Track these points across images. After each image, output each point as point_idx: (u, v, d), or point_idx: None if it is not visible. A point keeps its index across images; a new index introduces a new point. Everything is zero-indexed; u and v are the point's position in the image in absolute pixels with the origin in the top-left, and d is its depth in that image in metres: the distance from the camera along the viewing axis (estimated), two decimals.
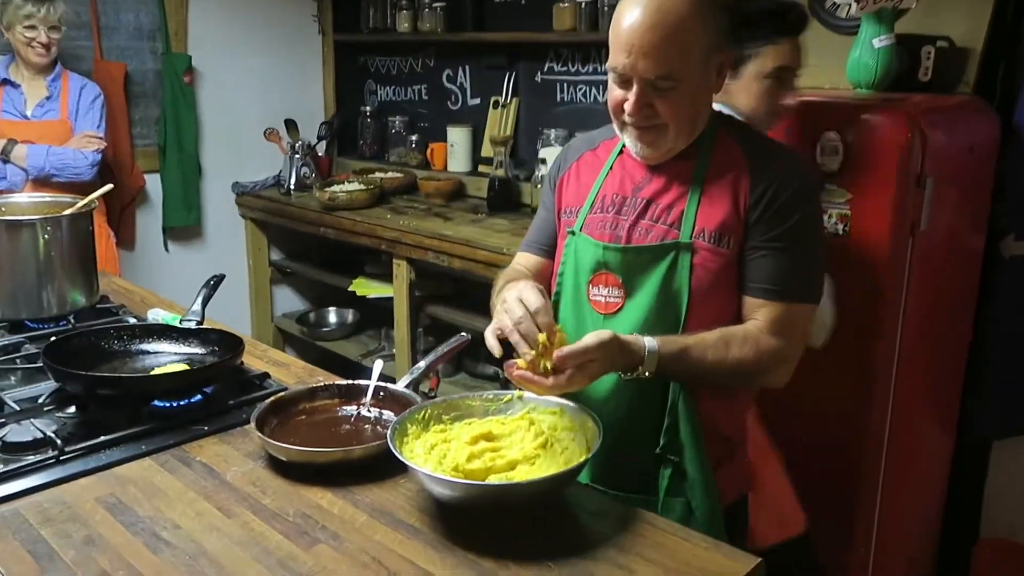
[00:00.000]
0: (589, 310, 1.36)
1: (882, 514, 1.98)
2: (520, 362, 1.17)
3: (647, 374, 1.21)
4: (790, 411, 1.87)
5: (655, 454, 1.30)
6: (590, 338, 1.16)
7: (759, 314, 1.28)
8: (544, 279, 1.48)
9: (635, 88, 1.23)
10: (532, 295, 1.20)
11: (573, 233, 1.38)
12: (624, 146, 1.36)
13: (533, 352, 1.16)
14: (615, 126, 1.32)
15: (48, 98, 2.88)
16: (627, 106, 1.25)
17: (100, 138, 2.88)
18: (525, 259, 1.52)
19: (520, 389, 1.25)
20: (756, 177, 1.27)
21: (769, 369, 1.28)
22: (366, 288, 3.39)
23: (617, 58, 1.23)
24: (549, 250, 1.48)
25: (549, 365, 1.15)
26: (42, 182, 2.78)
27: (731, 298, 1.30)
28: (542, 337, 1.16)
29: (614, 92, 1.27)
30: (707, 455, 1.30)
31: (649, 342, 1.21)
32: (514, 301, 1.20)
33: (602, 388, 1.32)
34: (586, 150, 1.45)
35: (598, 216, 1.36)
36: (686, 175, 1.30)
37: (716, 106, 1.38)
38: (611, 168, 1.39)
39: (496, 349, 1.21)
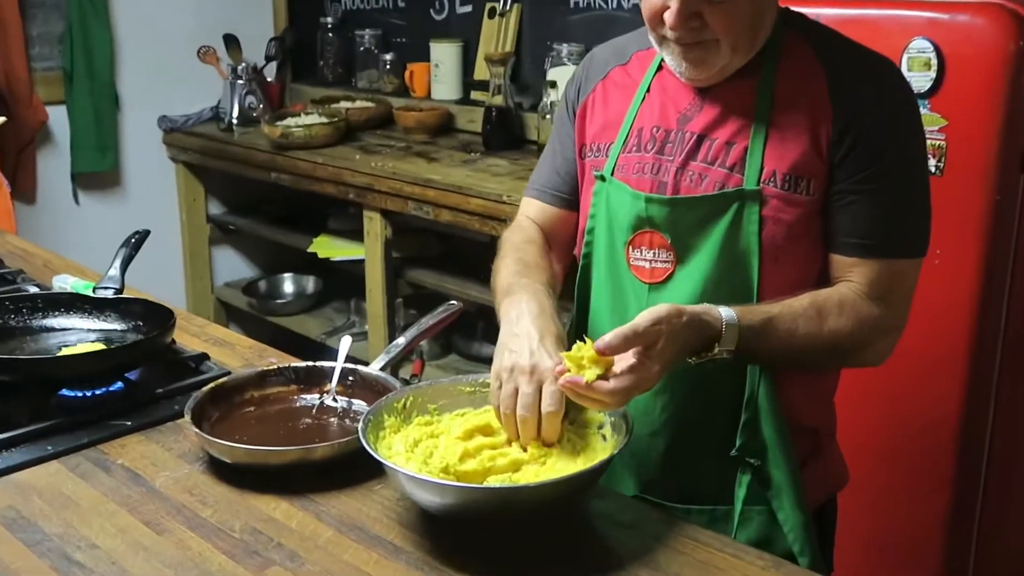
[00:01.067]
0: (630, 279, 1.34)
1: (983, 522, 1.99)
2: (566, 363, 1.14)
3: (725, 354, 1.19)
4: (868, 399, 1.87)
5: (730, 457, 1.30)
6: (642, 315, 1.12)
7: (854, 275, 1.27)
8: (561, 238, 1.46)
9: None
10: (545, 356, 1.17)
11: (603, 178, 1.37)
12: (663, 61, 1.33)
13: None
14: (652, 39, 1.30)
15: None
16: (667, 17, 1.21)
17: None
18: (535, 210, 1.50)
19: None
20: (840, 98, 1.24)
21: (869, 343, 1.28)
22: (330, 249, 3.38)
23: None
24: (566, 198, 1.46)
25: (600, 369, 1.11)
26: None
27: (813, 257, 1.29)
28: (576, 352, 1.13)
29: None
30: (795, 456, 1.30)
31: (726, 312, 1.19)
32: (524, 378, 1.17)
33: None
34: (614, 65, 1.42)
35: (634, 156, 1.34)
36: (747, 100, 1.28)
37: None
38: (648, 91, 1.36)
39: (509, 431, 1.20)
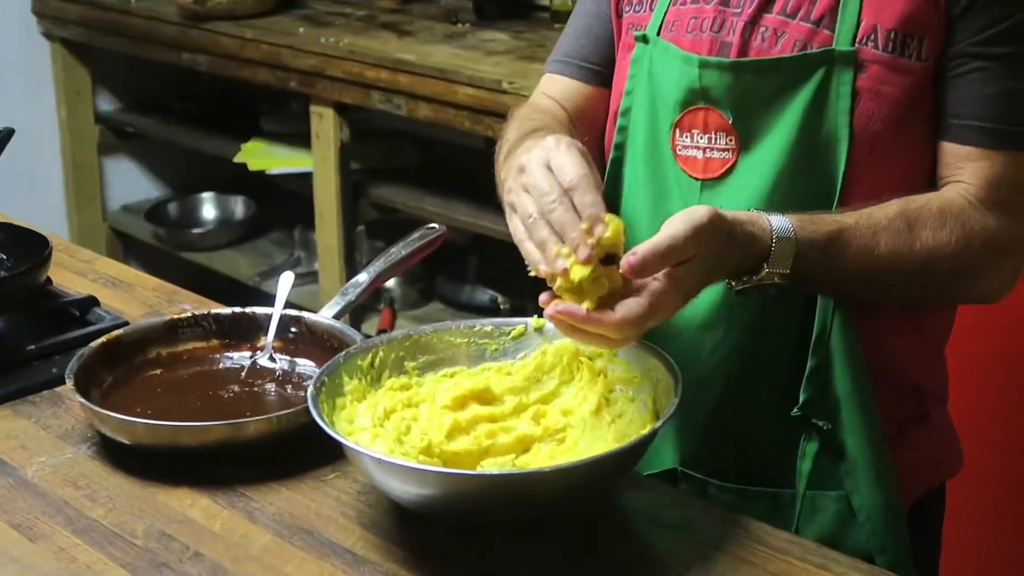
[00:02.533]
0: (677, 174, 1.36)
1: None
2: (561, 284, 1.12)
3: (776, 278, 1.20)
4: (978, 360, 1.86)
5: (790, 417, 1.31)
6: (678, 222, 1.12)
7: (967, 172, 1.27)
8: (591, 121, 1.47)
9: None
10: (568, 157, 1.16)
11: (645, 39, 1.38)
12: None
13: (569, 262, 1.12)
14: None
15: None
16: None
17: None
18: (557, 86, 1.51)
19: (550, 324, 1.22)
20: None
21: (983, 267, 1.29)
22: (265, 159, 3.39)
23: None
24: (599, 71, 1.49)
25: (600, 288, 1.10)
26: None
27: (923, 145, 1.30)
28: (585, 230, 1.12)
29: None
30: (879, 419, 1.30)
31: (778, 222, 1.20)
32: (538, 168, 1.17)
33: (699, 307, 1.30)
34: None
35: (689, 8, 1.36)
36: None
37: None
38: None
39: (535, 256, 1.15)
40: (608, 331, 1.10)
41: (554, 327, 1.15)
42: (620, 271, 1.10)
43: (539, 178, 1.15)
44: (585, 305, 1.10)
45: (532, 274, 1.15)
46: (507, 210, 1.21)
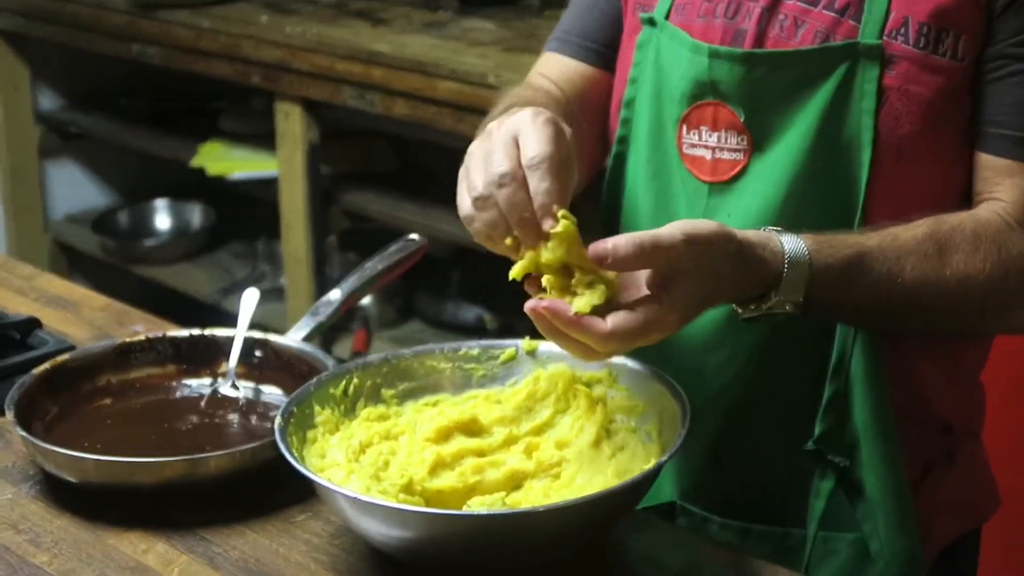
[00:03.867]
0: (682, 176, 1.36)
1: None
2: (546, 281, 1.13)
3: (787, 307, 1.19)
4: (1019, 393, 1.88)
5: (803, 451, 1.31)
6: (674, 225, 1.12)
7: (1007, 188, 1.27)
8: (593, 107, 1.48)
9: None
10: (537, 132, 1.14)
11: (652, 22, 1.39)
12: None
13: (523, 250, 1.13)
14: None
15: None
16: None
17: None
18: (556, 66, 1.52)
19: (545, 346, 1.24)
20: None
21: (1020, 298, 1.28)
22: (225, 162, 3.40)
23: None
24: (603, 52, 1.50)
25: (596, 300, 1.11)
26: None
27: (956, 156, 1.30)
28: (556, 227, 1.12)
29: None
30: (904, 455, 1.30)
31: (791, 244, 1.18)
32: (502, 137, 1.16)
33: (702, 327, 1.32)
34: None
35: None
36: None
37: None
38: None
39: (481, 233, 1.15)
40: (593, 341, 1.09)
41: (539, 329, 1.11)
42: (588, 255, 1.09)
43: (499, 148, 1.14)
44: (576, 307, 1.09)
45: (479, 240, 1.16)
46: (460, 176, 1.19)
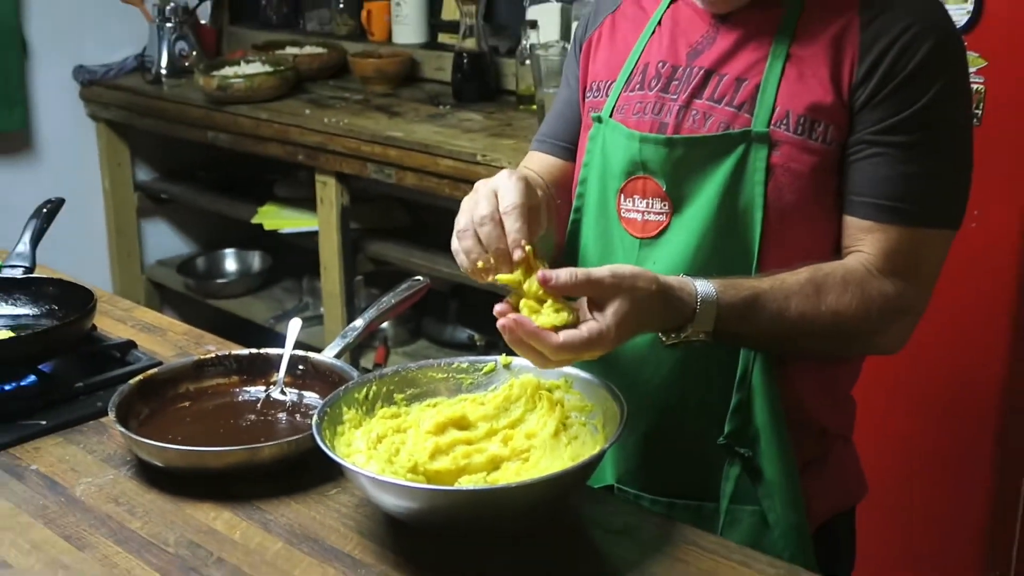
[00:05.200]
0: (620, 232, 1.35)
1: None
2: (512, 296, 1.14)
3: (700, 336, 1.19)
4: (884, 389, 1.87)
5: (717, 445, 1.30)
6: (613, 266, 1.13)
7: (866, 243, 1.25)
8: (565, 189, 1.47)
9: None
10: (510, 187, 1.17)
11: (600, 120, 1.38)
12: None
13: (512, 278, 1.14)
14: None
15: None
16: None
17: None
18: (537, 160, 1.51)
19: (518, 361, 1.24)
20: (871, 31, 1.23)
21: (880, 327, 1.26)
22: (277, 220, 3.37)
23: None
24: (570, 148, 1.49)
25: (556, 320, 1.11)
26: None
27: (826, 218, 1.28)
28: (519, 255, 1.13)
29: None
30: (792, 449, 1.30)
31: (703, 287, 1.18)
32: (483, 190, 1.19)
33: (634, 349, 1.31)
34: None
35: (636, 95, 1.35)
36: (767, 30, 1.28)
37: None
38: (659, 23, 1.37)
39: (463, 263, 1.19)
40: (547, 350, 1.10)
41: (505, 338, 1.12)
42: (538, 279, 1.11)
43: (482, 199, 1.18)
44: (538, 322, 1.11)
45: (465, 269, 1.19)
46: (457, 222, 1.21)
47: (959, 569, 1.99)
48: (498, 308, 1.13)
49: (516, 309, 1.13)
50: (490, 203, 1.17)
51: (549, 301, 1.13)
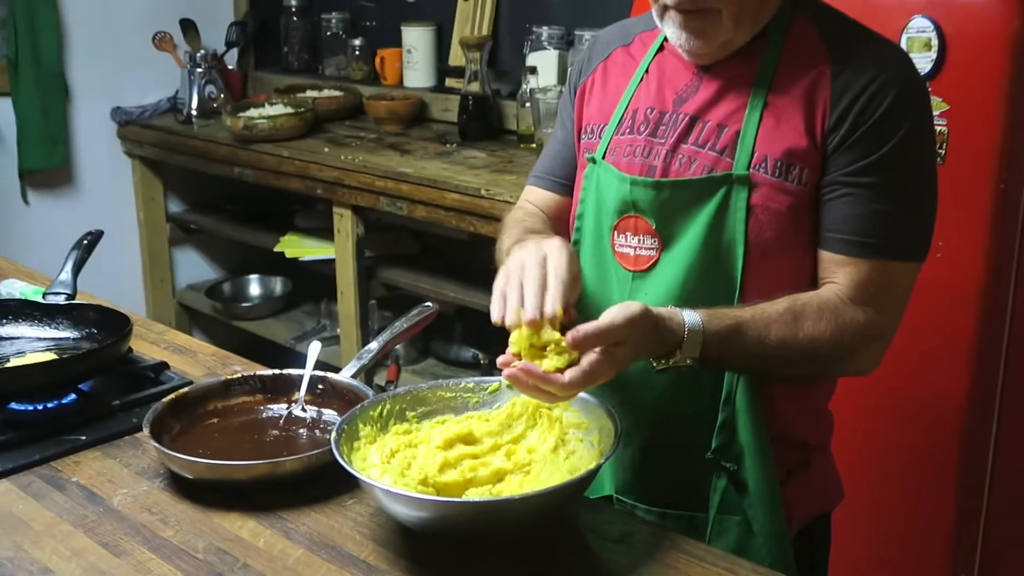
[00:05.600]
0: (614, 266, 1.35)
1: (987, 538, 2.00)
2: (513, 347, 1.14)
3: (688, 361, 1.19)
4: (857, 405, 1.87)
5: (705, 459, 1.30)
6: (615, 312, 1.13)
7: (839, 276, 1.25)
8: (562, 222, 1.47)
9: None
10: (561, 261, 1.18)
11: (594, 161, 1.38)
12: (665, 39, 1.34)
13: (520, 332, 1.14)
14: (654, 12, 1.30)
15: None
16: None
17: None
18: (536, 195, 1.52)
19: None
20: (841, 81, 1.23)
21: (853, 352, 1.26)
22: (298, 248, 3.37)
23: None
24: (565, 184, 1.48)
25: (559, 363, 1.12)
26: None
27: (803, 252, 1.28)
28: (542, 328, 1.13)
29: None
30: (774, 462, 1.30)
31: (690, 317, 1.18)
32: (536, 258, 1.18)
33: (630, 372, 1.28)
34: (617, 46, 1.43)
35: (626, 138, 1.35)
36: (745, 81, 1.28)
37: None
38: (646, 71, 1.37)
39: (496, 311, 1.17)
40: (556, 390, 1.11)
41: (514, 387, 1.14)
42: (566, 343, 1.11)
43: (531, 264, 1.18)
44: (544, 367, 1.11)
45: (493, 321, 1.17)
46: (499, 274, 1.21)
47: (927, 569, 1.98)
48: (501, 360, 1.14)
49: (518, 356, 1.13)
50: (540, 269, 1.17)
51: (552, 346, 1.13)
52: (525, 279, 1.17)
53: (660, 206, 1.30)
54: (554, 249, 1.20)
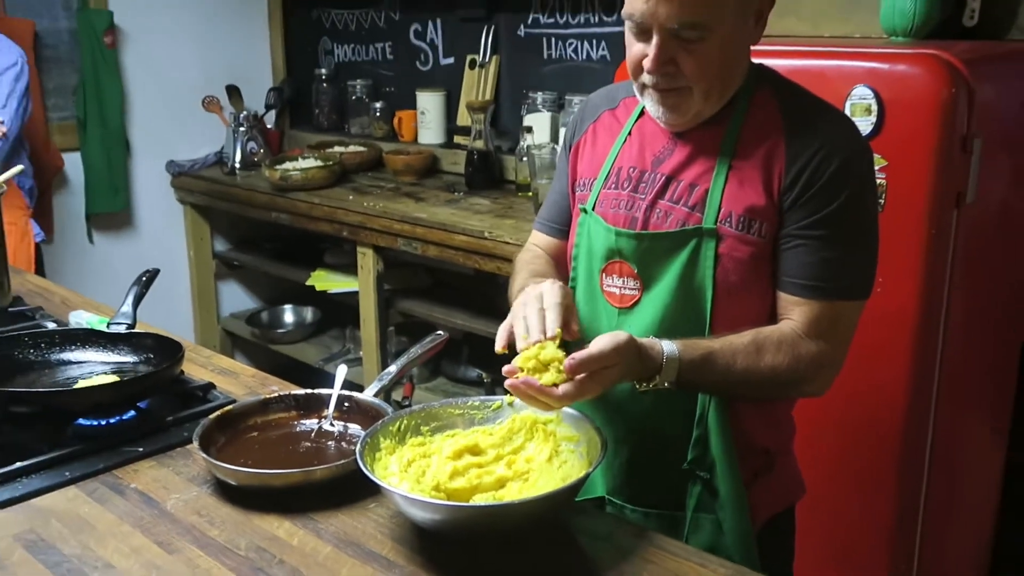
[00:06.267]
0: (603, 302, 1.35)
1: (925, 533, 1.99)
2: (517, 362, 1.16)
3: (666, 384, 1.19)
4: (815, 416, 1.88)
5: (683, 469, 1.30)
6: (605, 340, 1.15)
7: (795, 313, 1.26)
8: (561, 263, 1.48)
9: (655, 40, 1.21)
10: (554, 291, 1.23)
11: (585, 211, 1.38)
12: (645, 107, 1.35)
13: (531, 347, 1.17)
14: (635, 88, 1.31)
15: None
16: (646, 63, 1.23)
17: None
18: (540, 239, 1.53)
19: (518, 401, 1.24)
20: (795, 149, 1.24)
21: (808, 378, 1.26)
22: (326, 282, 3.38)
23: (634, 3, 1.20)
24: (564, 229, 1.48)
25: (556, 379, 1.14)
26: None
27: (764, 293, 1.28)
28: (545, 346, 1.17)
29: (632, 46, 1.25)
30: (741, 470, 1.30)
31: (668, 347, 1.19)
32: (534, 294, 1.23)
33: (619, 392, 1.31)
34: (605, 109, 1.44)
35: (612, 192, 1.35)
36: (713, 146, 1.28)
37: None
38: (629, 134, 1.38)
39: (501, 341, 1.22)
40: (551, 401, 1.13)
41: (515, 395, 1.16)
42: (563, 367, 1.13)
43: (531, 299, 1.22)
44: (542, 380, 1.13)
45: (497, 350, 1.23)
46: (511, 314, 1.26)
47: (875, 558, 1.98)
48: (506, 369, 1.16)
49: (521, 370, 1.16)
50: (539, 303, 1.22)
51: (553, 364, 1.15)
52: (528, 314, 1.21)
53: (641, 254, 1.30)
54: (548, 285, 1.24)
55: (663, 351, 1.19)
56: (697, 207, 1.27)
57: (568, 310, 1.22)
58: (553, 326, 1.18)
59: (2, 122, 2.78)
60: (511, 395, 1.28)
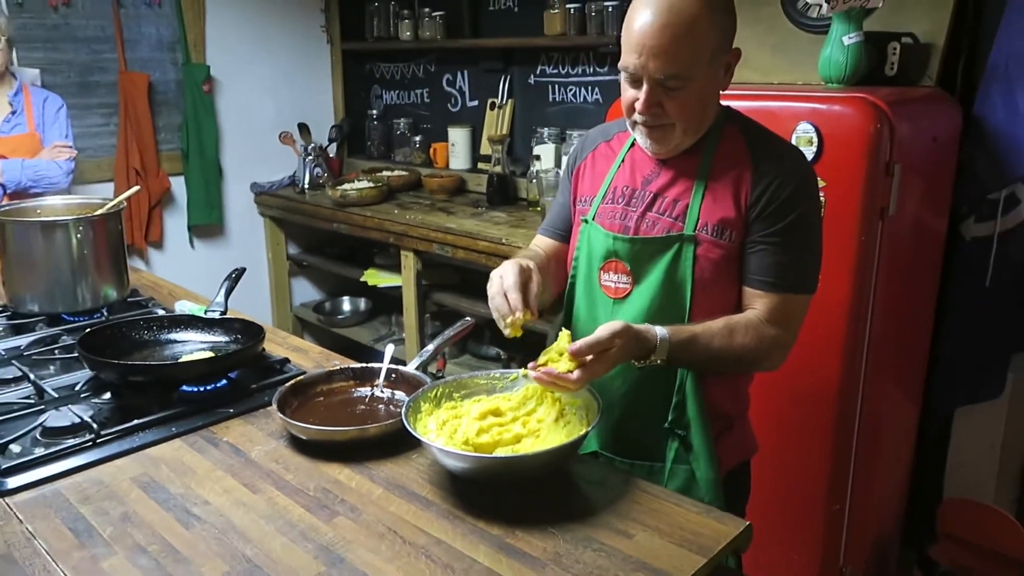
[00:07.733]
0: (600, 294, 1.34)
1: (856, 476, 1.97)
2: (540, 359, 1.15)
3: (659, 361, 1.19)
4: (772, 387, 1.86)
5: (663, 428, 1.30)
6: (603, 328, 1.14)
7: (758, 304, 1.25)
8: (560, 261, 1.47)
9: (645, 87, 1.21)
10: (509, 272, 1.21)
11: (587, 221, 1.37)
12: (635, 140, 1.34)
13: (549, 349, 1.15)
14: (627, 123, 1.30)
15: (13, 113, 2.74)
16: (638, 105, 1.23)
17: (70, 147, 2.77)
18: (542, 242, 1.52)
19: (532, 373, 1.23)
20: (758, 174, 1.24)
21: (768, 356, 1.26)
22: (377, 278, 3.38)
23: (629, 58, 1.20)
24: (564, 235, 1.47)
25: (570, 366, 1.13)
26: (19, 194, 2.64)
27: (732, 287, 1.27)
28: (519, 317, 1.16)
29: (626, 92, 1.25)
30: (710, 430, 1.28)
31: (660, 331, 1.18)
32: (494, 277, 1.23)
33: (615, 368, 1.28)
34: (601, 141, 1.43)
35: (609, 206, 1.34)
36: (692, 170, 1.28)
37: None
38: (623, 161, 1.37)
39: (497, 319, 1.21)
40: (569, 384, 1.12)
41: (539, 384, 1.16)
42: (568, 353, 1.12)
43: (493, 281, 1.21)
44: (559, 369, 1.12)
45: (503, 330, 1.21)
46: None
47: (815, 497, 1.96)
48: (531, 365, 1.15)
49: (543, 364, 1.15)
50: (497, 284, 1.21)
51: (566, 354, 1.14)
52: (493, 295, 1.21)
53: (633, 255, 1.29)
54: (506, 266, 1.23)
55: (657, 335, 1.18)
56: (679, 218, 1.27)
57: (524, 287, 1.21)
58: (514, 304, 1.17)
59: (71, 146, 2.80)
60: (525, 369, 1.28)
